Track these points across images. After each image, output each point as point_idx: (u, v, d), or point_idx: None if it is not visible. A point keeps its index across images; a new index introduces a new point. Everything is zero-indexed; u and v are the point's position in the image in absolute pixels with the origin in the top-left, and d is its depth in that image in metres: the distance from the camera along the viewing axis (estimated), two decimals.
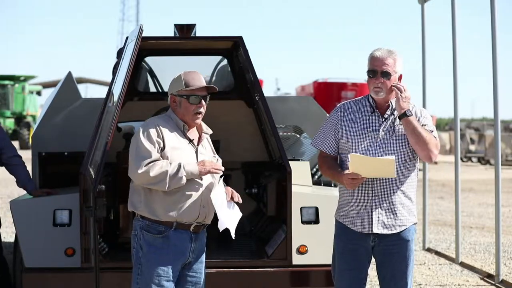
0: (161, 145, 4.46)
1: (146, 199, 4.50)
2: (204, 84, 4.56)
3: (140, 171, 4.38)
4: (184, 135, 4.57)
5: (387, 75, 4.49)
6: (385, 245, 4.55)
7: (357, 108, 4.63)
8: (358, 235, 4.56)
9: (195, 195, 4.50)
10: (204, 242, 4.68)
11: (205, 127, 4.68)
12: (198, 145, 4.60)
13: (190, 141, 4.57)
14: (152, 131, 4.46)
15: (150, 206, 4.49)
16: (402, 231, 4.55)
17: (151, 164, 4.38)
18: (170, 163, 4.40)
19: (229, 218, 4.54)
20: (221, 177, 4.66)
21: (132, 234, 4.62)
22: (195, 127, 4.65)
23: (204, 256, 4.69)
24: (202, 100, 4.54)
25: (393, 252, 4.56)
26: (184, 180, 4.42)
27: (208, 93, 4.59)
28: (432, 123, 4.64)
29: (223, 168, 4.58)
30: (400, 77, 4.56)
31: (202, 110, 4.57)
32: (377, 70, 4.50)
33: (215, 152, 4.78)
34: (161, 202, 4.47)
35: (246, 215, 7.98)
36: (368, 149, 4.51)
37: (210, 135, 4.77)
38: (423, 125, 4.53)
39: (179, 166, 4.40)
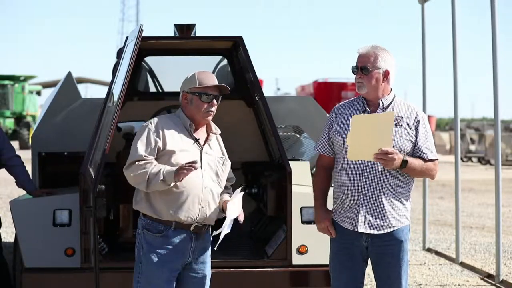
0: (159, 144, 4.43)
1: (147, 197, 4.50)
2: (216, 83, 4.56)
3: (125, 169, 4.46)
4: (190, 135, 4.54)
5: (366, 70, 4.50)
6: (377, 246, 4.55)
7: (350, 108, 4.63)
8: (351, 235, 4.55)
9: (193, 194, 4.47)
10: (208, 243, 4.66)
11: (214, 126, 4.66)
12: (204, 144, 4.57)
13: (196, 140, 4.54)
14: (152, 130, 4.46)
15: (150, 204, 4.49)
16: (394, 231, 4.53)
17: (136, 164, 4.39)
18: (155, 165, 4.38)
19: (227, 228, 4.53)
20: (244, 189, 4.69)
21: (136, 232, 4.62)
22: (204, 127, 4.62)
23: (207, 257, 4.66)
24: (214, 100, 4.54)
25: (386, 252, 4.55)
26: (161, 184, 4.34)
27: (220, 94, 4.57)
28: (430, 129, 4.63)
29: (197, 166, 4.35)
30: (386, 73, 4.53)
31: (214, 109, 4.56)
32: (358, 65, 4.54)
33: (225, 154, 4.72)
34: (161, 200, 4.46)
35: (246, 215, 7.97)
36: None
37: None
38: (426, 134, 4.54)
39: (159, 170, 4.34)
